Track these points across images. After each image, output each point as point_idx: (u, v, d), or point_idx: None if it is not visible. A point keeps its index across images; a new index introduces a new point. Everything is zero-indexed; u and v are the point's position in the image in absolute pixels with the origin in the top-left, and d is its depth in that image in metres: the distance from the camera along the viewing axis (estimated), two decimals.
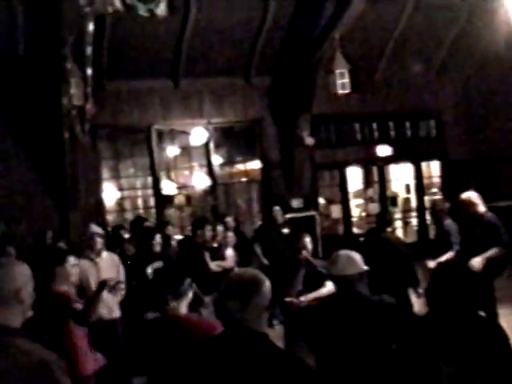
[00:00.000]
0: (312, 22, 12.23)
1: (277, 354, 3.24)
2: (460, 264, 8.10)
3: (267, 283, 3.39)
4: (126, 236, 10.60)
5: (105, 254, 7.91)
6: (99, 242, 7.82)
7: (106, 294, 7.16)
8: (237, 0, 11.89)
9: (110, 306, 7.68)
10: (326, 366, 4.70)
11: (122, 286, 7.65)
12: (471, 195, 8.96)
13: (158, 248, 8.75)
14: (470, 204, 8.88)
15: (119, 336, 7.84)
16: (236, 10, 12.06)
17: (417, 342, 4.18)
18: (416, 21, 13.58)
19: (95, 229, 8.02)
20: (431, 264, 8.76)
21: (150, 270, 8.75)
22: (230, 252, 10.13)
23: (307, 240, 7.59)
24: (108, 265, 7.84)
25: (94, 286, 7.36)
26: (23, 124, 11.67)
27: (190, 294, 5.06)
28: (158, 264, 8.81)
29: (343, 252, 5.02)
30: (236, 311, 3.31)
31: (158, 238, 8.81)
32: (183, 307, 4.91)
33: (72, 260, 6.41)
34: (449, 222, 9.77)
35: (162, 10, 7.43)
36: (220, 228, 10.38)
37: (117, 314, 7.83)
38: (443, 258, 9.27)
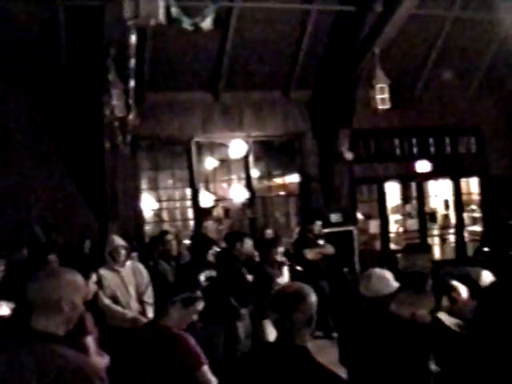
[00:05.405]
0: (352, 36, 12.24)
1: (315, 368, 3.25)
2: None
3: (312, 299, 3.39)
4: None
5: (128, 263, 8.09)
6: (123, 253, 8.00)
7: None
8: (277, 13, 11.93)
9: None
10: None
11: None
12: None
13: (211, 258, 8.91)
14: None
15: None
16: (276, 23, 12.12)
17: (462, 362, 4.14)
18: (456, 36, 13.51)
19: (118, 241, 8.15)
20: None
21: (202, 278, 8.84)
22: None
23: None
24: (130, 274, 8.04)
25: (119, 294, 7.61)
26: (65, 133, 11.83)
27: (195, 307, 5.03)
28: (211, 272, 8.90)
29: (375, 271, 5.00)
30: (277, 324, 3.34)
31: (214, 248, 9.01)
32: (176, 315, 4.88)
33: (94, 277, 6.49)
34: None
35: (207, 24, 7.41)
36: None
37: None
38: None
